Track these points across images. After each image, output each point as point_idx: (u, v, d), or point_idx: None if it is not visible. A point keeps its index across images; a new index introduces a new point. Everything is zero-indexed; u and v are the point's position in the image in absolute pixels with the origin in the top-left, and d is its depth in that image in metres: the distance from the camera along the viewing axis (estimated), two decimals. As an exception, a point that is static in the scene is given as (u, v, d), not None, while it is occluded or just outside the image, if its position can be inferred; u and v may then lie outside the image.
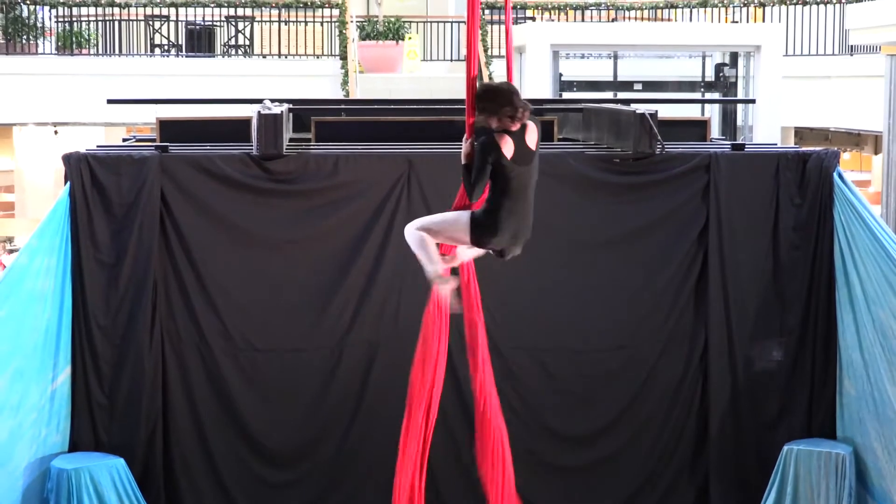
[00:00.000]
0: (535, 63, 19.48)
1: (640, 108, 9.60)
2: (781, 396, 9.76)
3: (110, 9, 24.22)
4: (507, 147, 6.88)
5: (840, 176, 9.55)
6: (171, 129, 10.39)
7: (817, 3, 21.49)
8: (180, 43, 24.03)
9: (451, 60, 25.70)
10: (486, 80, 7.24)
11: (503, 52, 22.59)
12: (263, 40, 23.86)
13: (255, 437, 9.64)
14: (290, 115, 10.29)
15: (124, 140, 11.68)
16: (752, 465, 9.74)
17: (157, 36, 23.94)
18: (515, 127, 6.91)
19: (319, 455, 9.68)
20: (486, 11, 22.77)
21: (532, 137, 6.99)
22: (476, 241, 7.15)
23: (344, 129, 10.55)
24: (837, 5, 20.99)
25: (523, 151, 6.95)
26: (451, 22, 27.05)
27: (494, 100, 6.92)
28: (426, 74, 23.48)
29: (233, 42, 23.96)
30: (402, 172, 9.60)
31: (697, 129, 10.94)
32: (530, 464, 9.67)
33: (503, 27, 22.89)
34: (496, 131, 6.92)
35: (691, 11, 24.19)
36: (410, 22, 25.37)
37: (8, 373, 8.62)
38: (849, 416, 9.50)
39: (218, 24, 24.19)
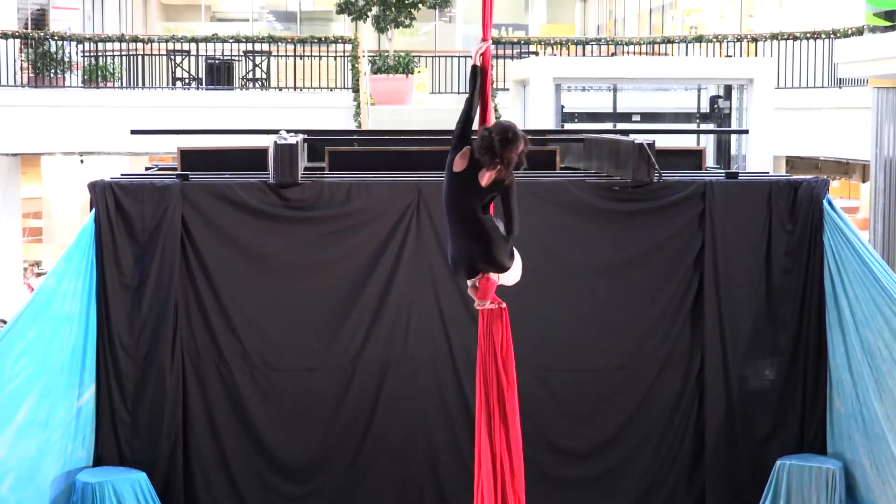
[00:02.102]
0: (539, 95, 19.50)
1: (639, 139, 9.61)
2: (774, 413, 9.75)
3: (134, 44, 24.32)
4: (461, 163, 6.78)
5: (829, 203, 9.56)
6: (191, 159, 10.40)
7: (807, 38, 21.50)
8: (200, 76, 24.11)
9: (459, 93, 25.75)
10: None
11: (506, 86, 22.68)
12: (280, 74, 23.95)
13: (272, 451, 9.64)
14: (305, 145, 10.31)
15: (147, 169, 11.70)
16: (746, 478, 9.72)
17: (178, 70, 24.02)
18: (486, 175, 6.73)
19: (333, 469, 9.68)
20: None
21: (485, 177, 6.75)
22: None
23: (356, 159, 10.57)
24: (827, 40, 21.00)
25: (472, 180, 6.77)
26: (458, 56, 27.12)
27: (495, 139, 6.64)
28: (435, 106, 23.54)
29: (250, 76, 24.04)
30: (412, 200, 9.62)
31: (693, 158, 10.94)
32: (533, 477, 9.65)
33: (506, 61, 22.99)
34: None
35: (687, 46, 24.23)
36: (419, 56, 25.46)
37: (36, 391, 8.64)
38: (839, 433, 9.49)
39: (236, 58, 24.28)
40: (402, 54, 24.27)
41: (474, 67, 7.03)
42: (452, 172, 6.83)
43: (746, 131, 18.54)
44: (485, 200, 6.89)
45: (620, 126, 19.21)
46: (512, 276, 7.17)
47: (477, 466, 7.40)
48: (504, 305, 7.29)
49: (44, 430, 8.72)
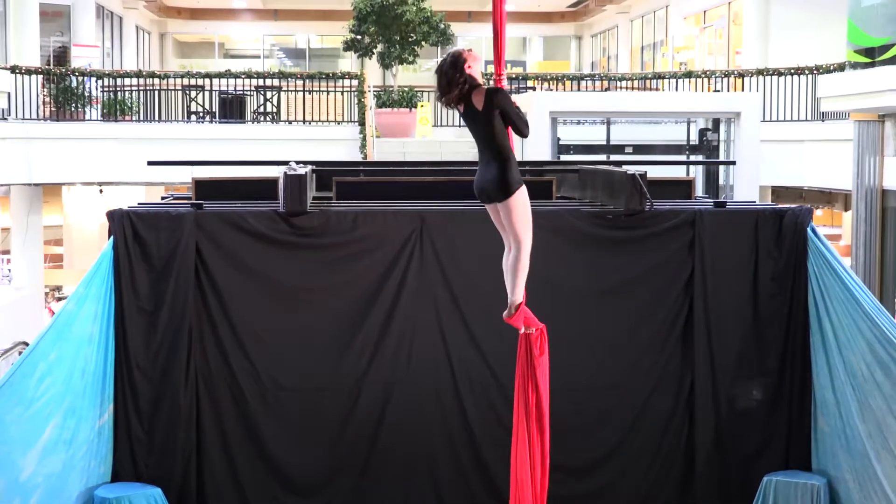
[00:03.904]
0: (536, 128, 19.51)
1: (631, 169, 9.63)
2: (761, 432, 9.73)
3: (150, 80, 24.38)
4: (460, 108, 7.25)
5: (813, 231, 9.56)
6: (205, 188, 10.42)
7: (792, 74, 21.53)
8: (214, 110, 24.15)
9: (460, 126, 25.75)
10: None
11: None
12: (289, 108, 23.99)
13: (281, 468, 9.62)
14: (314, 175, 10.33)
15: (163, 198, 11.72)
16: (735, 494, 9.69)
17: (192, 104, 24.06)
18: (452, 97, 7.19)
19: (339, 484, 9.66)
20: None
21: (478, 98, 7.13)
22: None
23: (362, 188, 10.58)
24: (810, 76, 21.03)
25: (471, 111, 7.18)
26: (460, 91, 27.09)
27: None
28: (437, 139, 23.57)
29: (261, 109, 24.08)
30: (415, 227, 9.63)
31: (683, 188, 10.95)
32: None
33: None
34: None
35: (677, 81, 24.28)
36: (422, 91, 25.49)
37: (61, 410, 8.63)
38: (823, 450, 9.47)
39: (248, 93, 24.32)
40: (406, 89, 24.33)
41: None
42: (465, 119, 7.29)
43: (734, 162, 18.54)
44: (491, 123, 7.13)
45: (614, 157, 19.24)
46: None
47: (513, 470, 7.71)
48: (542, 326, 7.63)
49: (68, 447, 8.71)
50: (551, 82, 24.94)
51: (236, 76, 24.00)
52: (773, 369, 9.71)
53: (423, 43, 24.33)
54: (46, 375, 8.50)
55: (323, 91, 23.84)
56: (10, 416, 8.24)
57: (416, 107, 24.06)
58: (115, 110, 23.41)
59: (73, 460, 8.76)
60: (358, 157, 22.09)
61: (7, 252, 23.89)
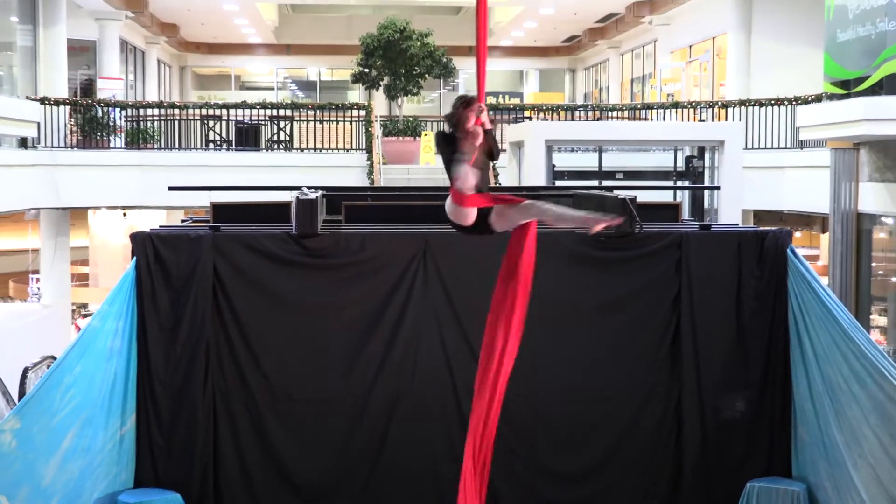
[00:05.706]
0: (532, 155, 19.49)
1: (622, 194, 9.64)
2: (745, 441, 9.71)
3: (171, 110, 24.42)
4: None
5: (793, 252, 9.57)
6: (222, 212, 10.43)
7: (772, 105, 21.53)
8: (231, 139, 24.16)
9: (461, 153, 25.70)
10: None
11: (503, 147, 22.71)
12: (301, 136, 24.00)
13: (293, 475, 9.60)
14: (324, 199, 10.33)
15: (182, 221, 11.72)
16: (720, 500, 9.67)
17: (210, 133, 24.09)
18: None
19: (348, 490, 9.64)
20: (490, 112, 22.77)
21: None
22: None
23: (369, 212, 10.58)
24: (790, 106, 21.03)
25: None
26: (461, 121, 27.12)
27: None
28: (440, 166, 23.46)
29: (275, 138, 24.10)
30: (420, 248, 9.64)
31: (671, 211, 10.95)
32: (526, 497, 9.63)
33: (503, 125, 23.06)
34: None
35: (665, 112, 24.29)
36: (426, 121, 25.56)
37: (81, 420, 8.63)
38: (803, 458, 9.45)
39: (263, 122, 24.35)
40: (411, 119, 24.38)
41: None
42: None
43: (718, 187, 18.53)
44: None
45: (605, 183, 19.20)
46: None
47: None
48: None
49: (87, 455, 8.70)
50: (546, 112, 24.95)
51: (251, 107, 24.02)
52: (755, 382, 9.70)
53: (426, 76, 24.39)
54: (71, 387, 8.51)
55: (333, 121, 23.86)
56: (37, 426, 8.24)
57: (420, 135, 24.09)
58: (137, 139, 23.42)
59: (90, 467, 8.75)
60: (366, 183, 22.09)
61: (36, 272, 23.90)
